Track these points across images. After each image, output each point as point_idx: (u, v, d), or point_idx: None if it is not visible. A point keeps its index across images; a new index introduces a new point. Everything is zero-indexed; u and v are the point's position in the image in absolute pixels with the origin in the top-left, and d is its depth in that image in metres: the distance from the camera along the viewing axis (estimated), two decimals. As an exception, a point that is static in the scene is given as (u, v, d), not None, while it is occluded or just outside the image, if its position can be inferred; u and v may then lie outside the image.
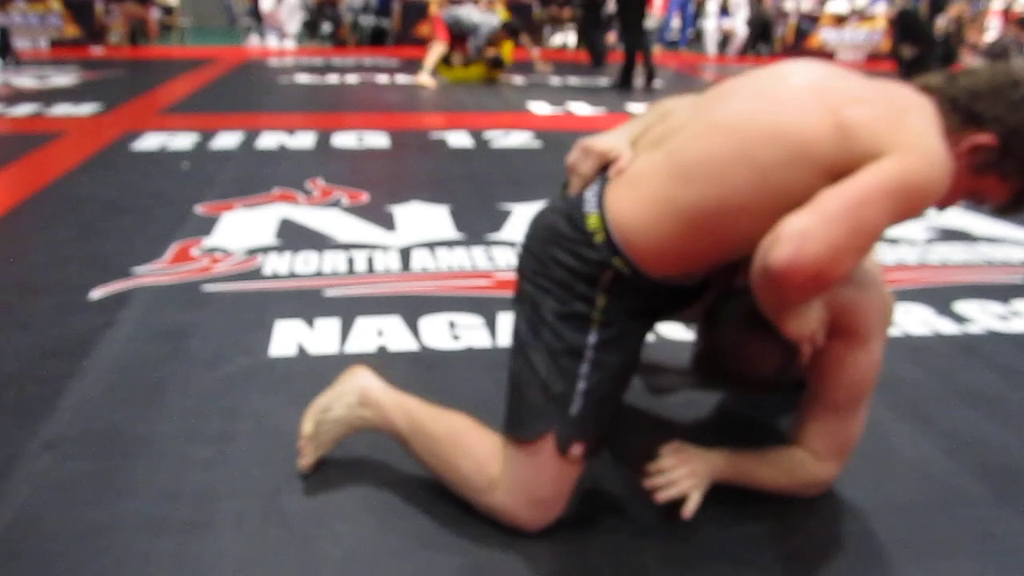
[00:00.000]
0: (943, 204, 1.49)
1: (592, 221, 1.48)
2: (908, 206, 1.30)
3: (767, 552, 1.58)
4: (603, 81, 8.80)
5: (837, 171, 1.31)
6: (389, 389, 1.72)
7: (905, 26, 9.66)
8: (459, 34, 8.11)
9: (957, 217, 3.85)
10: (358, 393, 1.70)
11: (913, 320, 2.65)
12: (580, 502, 1.66)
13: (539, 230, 1.57)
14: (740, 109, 1.42)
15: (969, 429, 2.03)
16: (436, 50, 8.07)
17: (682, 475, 1.56)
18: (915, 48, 9.46)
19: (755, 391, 1.92)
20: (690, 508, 1.53)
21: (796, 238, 1.25)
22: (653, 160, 1.48)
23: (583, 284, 1.49)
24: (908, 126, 1.33)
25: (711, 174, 1.39)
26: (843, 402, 1.61)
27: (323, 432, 1.71)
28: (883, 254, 3.27)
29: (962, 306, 2.79)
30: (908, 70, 9.45)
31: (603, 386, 1.52)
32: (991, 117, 1.41)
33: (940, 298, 2.85)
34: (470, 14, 8.01)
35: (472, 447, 1.59)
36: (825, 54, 12.36)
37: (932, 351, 2.46)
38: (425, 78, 7.94)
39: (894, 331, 2.56)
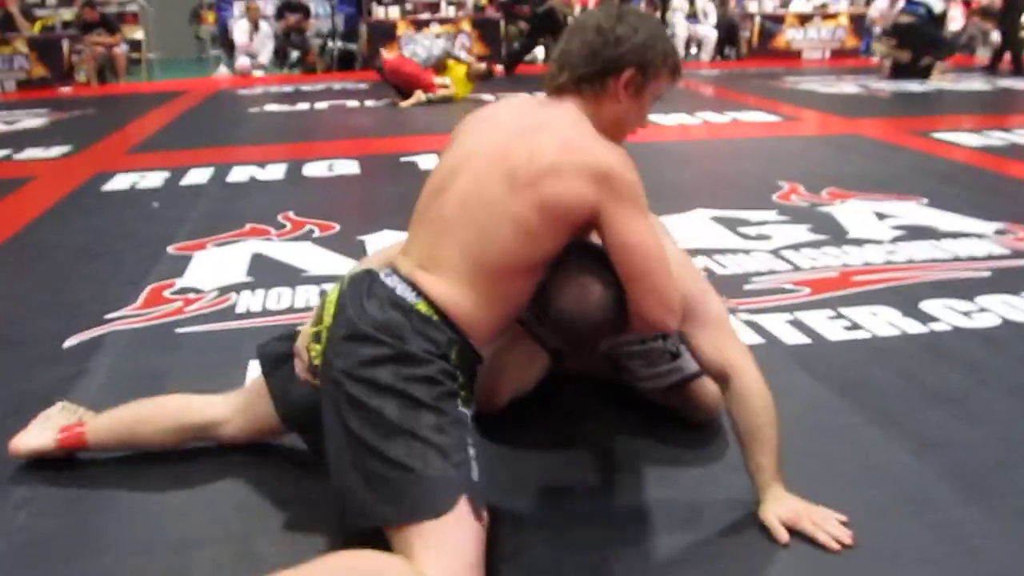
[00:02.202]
0: (635, 130, 1.77)
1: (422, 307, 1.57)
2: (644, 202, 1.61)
3: (733, 556, 1.61)
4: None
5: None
6: None
7: (907, 36, 9.65)
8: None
9: (921, 214, 3.90)
10: None
11: (880, 321, 2.69)
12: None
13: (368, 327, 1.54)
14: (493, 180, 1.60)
15: (936, 430, 2.06)
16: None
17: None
18: (915, 53, 9.53)
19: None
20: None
21: (668, 312, 1.61)
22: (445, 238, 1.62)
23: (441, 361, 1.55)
24: (630, 180, 1.59)
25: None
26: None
27: None
28: (851, 256, 3.31)
29: (928, 304, 2.82)
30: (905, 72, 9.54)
31: (480, 448, 1.55)
32: (617, 57, 1.65)
33: (906, 298, 2.88)
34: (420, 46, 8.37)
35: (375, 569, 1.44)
36: (792, 53, 12.47)
37: (899, 352, 2.49)
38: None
39: (860, 333, 2.60)
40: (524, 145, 1.59)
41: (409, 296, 1.57)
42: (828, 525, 1.65)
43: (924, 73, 9.49)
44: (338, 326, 1.58)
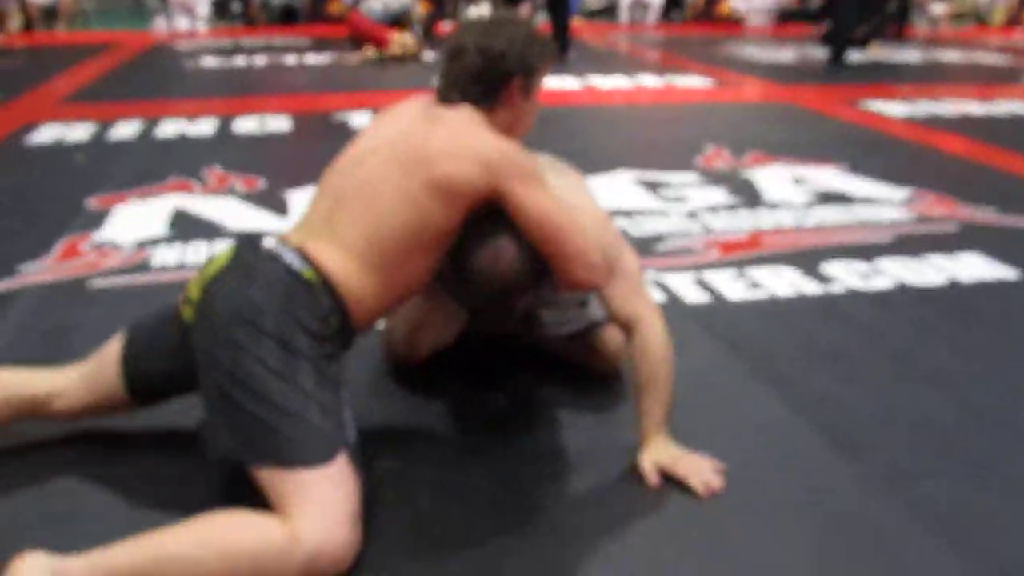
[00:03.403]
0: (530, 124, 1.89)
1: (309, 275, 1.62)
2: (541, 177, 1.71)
3: (615, 502, 1.69)
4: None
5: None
6: (86, 560, 1.40)
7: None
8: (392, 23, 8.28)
9: (837, 181, 4.01)
10: None
11: (780, 283, 2.79)
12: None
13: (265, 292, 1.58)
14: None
15: (818, 387, 2.16)
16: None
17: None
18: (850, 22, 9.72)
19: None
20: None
21: (593, 273, 1.74)
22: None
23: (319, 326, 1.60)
24: (520, 161, 1.69)
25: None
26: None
27: None
28: (763, 219, 3.41)
29: (828, 267, 2.93)
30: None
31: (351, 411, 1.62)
32: (503, 72, 1.76)
33: (809, 260, 2.99)
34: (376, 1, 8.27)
35: (241, 531, 1.43)
36: (734, 21, 12.56)
37: (794, 312, 2.59)
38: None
39: (760, 293, 2.70)
40: (420, 133, 1.71)
41: (296, 263, 1.61)
42: (703, 472, 1.75)
43: (862, 43, 9.65)
44: (222, 282, 1.62)
